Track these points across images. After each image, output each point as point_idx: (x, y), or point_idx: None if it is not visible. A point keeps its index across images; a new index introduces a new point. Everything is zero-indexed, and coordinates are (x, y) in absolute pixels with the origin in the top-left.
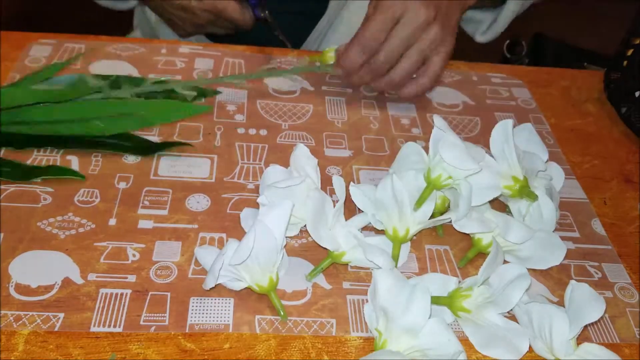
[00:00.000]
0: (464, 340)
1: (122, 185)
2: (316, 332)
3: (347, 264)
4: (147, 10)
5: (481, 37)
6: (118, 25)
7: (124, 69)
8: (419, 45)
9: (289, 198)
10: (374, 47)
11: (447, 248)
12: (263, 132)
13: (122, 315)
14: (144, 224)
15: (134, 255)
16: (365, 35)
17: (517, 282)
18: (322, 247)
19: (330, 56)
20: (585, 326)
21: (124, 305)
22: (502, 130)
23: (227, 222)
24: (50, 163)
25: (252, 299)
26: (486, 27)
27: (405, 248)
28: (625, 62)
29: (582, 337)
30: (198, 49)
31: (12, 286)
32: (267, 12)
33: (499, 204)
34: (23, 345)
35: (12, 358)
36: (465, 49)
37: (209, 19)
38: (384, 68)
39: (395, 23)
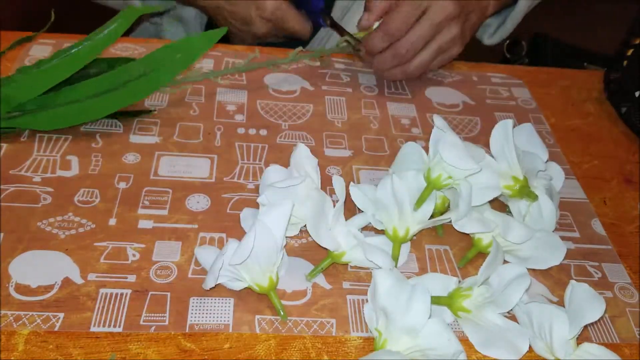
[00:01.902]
0: (464, 340)
1: (122, 185)
2: (316, 332)
3: (347, 264)
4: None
5: (489, 40)
6: None
7: None
8: (440, 39)
9: (289, 198)
10: (398, 36)
11: (447, 248)
12: (263, 132)
13: (122, 315)
14: (144, 224)
15: (134, 255)
16: (390, 24)
17: (517, 282)
18: (322, 247)
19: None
20: (585, 326)
21: (123, 305)
22: (502, 130)
23: (227, 222)
24: (51, 163)
25: (252, 299)
26: (494, 30)
27: (405, 248)
28: (625, 62)
29: (582, 337)
30: None
31: (12, 286)
32: (329, 21)
33: (499, 204)
34: (23, 345)
35: (12, 358)
36: (465, 49)
37: (268, 29)
38: (406, 57)
39: (421, 14)
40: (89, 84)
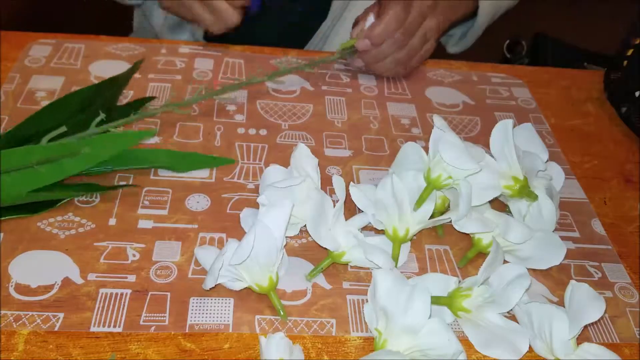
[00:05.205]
0: (464, 340)
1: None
2: (316, 332)
3: (347, 264)
4: (153, 15)
5: (453, 48)
6: (118, 25)
7: (124, 69)
8: (425, 26)
9: (289, 198)
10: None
11: (447, 248)
12: (263, 132)
13: (122, 315)
14: (143, 224)
15: (134, 255)
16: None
17: (517, 282)
18: (322, 247)
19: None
20: (585, 326)
21: (123, 305)
22: (502, 130)
23: (227, 222)
24: None
25: (252, 299)
26: (457, 40)
27: (405, 248)
28: (625, 62)
29: (582, 337)
30: (198, 49)
31: (12, 286)
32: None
33: (499, 204)
34: (23, 345)
35: (12, 358)
36: (465, 49)
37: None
38: (401, 41)
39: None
40: None
